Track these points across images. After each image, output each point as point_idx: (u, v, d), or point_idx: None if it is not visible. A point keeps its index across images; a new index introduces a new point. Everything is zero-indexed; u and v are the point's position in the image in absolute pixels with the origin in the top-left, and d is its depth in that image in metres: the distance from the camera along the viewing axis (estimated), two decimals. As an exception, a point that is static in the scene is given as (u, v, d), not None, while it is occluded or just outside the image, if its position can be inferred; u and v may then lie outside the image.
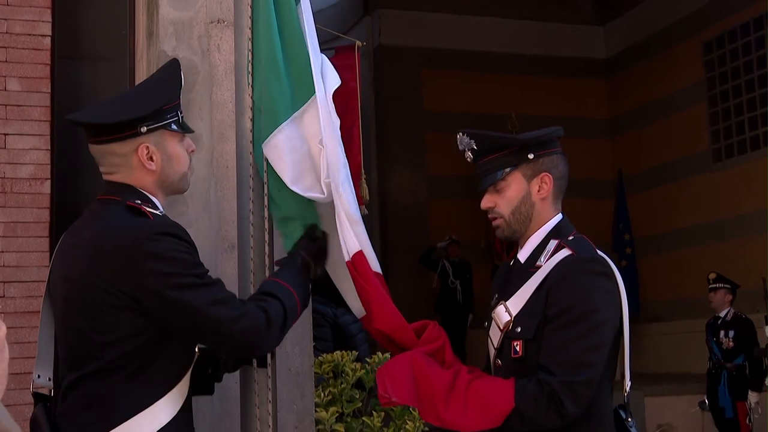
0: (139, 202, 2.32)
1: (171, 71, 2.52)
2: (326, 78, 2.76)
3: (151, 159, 2.35)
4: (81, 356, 2.26)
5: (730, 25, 10.97)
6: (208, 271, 2.33)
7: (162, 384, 2.27)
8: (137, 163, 2.35)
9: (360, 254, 2.61)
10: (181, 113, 2.44)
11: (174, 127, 2.39)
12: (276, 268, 2.72)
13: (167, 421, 2.25)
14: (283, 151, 2.72)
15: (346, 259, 2.62)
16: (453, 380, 2.32)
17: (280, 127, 2.72)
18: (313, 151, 2.72)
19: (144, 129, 2.33)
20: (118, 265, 2.20)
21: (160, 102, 2.38)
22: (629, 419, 2.45)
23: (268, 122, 2.76)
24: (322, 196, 2.66)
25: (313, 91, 2.71)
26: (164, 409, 2.25)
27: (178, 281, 2.21)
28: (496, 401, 2.26)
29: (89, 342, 2.23)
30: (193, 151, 2.49)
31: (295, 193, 2.70)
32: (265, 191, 2.83)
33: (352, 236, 2.62)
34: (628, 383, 2.47)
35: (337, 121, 2.73)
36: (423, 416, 2.42)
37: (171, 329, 2.27)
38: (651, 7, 12.19)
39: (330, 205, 2.68)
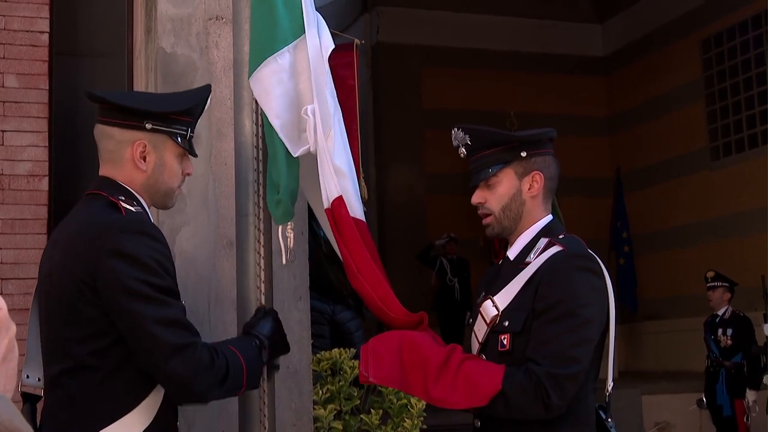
0: (123, 198, 2.31)
1: (200, 91, 2.54)
2: (321, 34, 2.70)
3: (144, 159, 2.35)
4: (57, 351, 2.25)
5: (729, 23, 10.97)
6: (171, 288, 2.23)
7: (136, 391, 2.22)
8: (129, 157, 2.34)
9: (339, 200, 2.57)
10: (191, 132, 2.42)
11: (178, 140, 2.38)
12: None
13: (147, 425, 2.21)
14: (269, 83, 2.65)
15: (325, 206, 2.58)
16: (447, 358, 2.33)
17: (266, 61, 2.66)
18: (299, 88, 2.65)
19: (148, 126, 2.33)
20: (86, 259, 2.19)
21: (172, 107, 2.38)
22: (609, 419, 2.46)
23: (256, 55, 2.70)
24: (304, 146, 2.59)
25: (302, 31, 2.66)
26: (138, 419, 2.21)
27: (134, 286, 2.15)
28: (484, 381, 2.27)
29: (63, 337, 2.22)
30: (189, 173, 2.47)
31: (284, 157, 2.62)
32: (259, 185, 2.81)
33: (333, 182, 2.58)
34: (610, 383, 2.48)
35: (330, 81, 2.69)
36: (409, 392, 2.42)
37: (121, 331, 2.19)
38: (649, 5, 12.19)
39: (311, 160, 2.63)
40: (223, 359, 2.24)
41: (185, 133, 2.40)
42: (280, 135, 2.61)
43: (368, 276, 2.54)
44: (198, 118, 2.46)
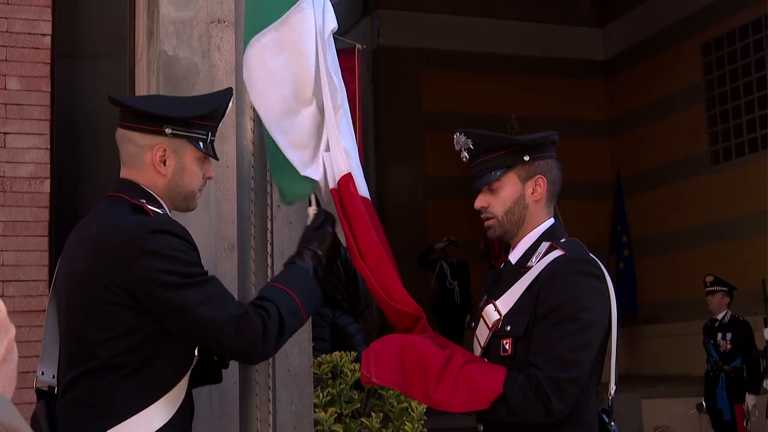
0: (144, 201, 2.32)
1: (221, 94, 2.53)
2: (325, 11, 2.64)
3: (164, 163, 2.36)
4: (80, 353, 2.26)
5: (729, 28, 10.98)
6: (206, 272, 2.30)
7: (160, 385, 2.26)
8: (149, 161, 2.35)
9: (348, 176, 2.52)
10: (212, 136, 2.42)
11: (200, 145, 2.38)
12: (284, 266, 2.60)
13: (162, 425, 2.24)
14: (252, 64, 2.60)
15: (331, 186, 2.52)
16: (447, 361, 2.33)
17: (251, 41, 2.61)
18: (290, 65, 2.57)
19: (168, 131, 2.34)
20: (116, 262, 2.21)
21: (193, 112, 2.38)
22: (612, 423, 2.46)
23: (246, 35, 2.65)
24: (284, 129, 2.55)
25: (288, 7, 2.58)
26: (161, 411, 2.24)
27: (171, 279, 2.19)
28: (485, 385, 2.27)
29: (88, 339, 2.24)
30: (210, 177, 2.48)
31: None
32: (269, 179, 2.80)
33: (341, 158, 2.52)
34: (613, 387, 2.47)
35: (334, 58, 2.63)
36: (410, 395, 2.42)
37: (169, 329, 2.26)
38: (650, 9, 12.20)
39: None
40: (275, 314, 2.29)
41: (206, 137, 2.40)
42: (262, 115, 2.58)
43: (371, 257, 2.50)
44: (219, 122, 2.46)
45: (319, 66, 2.56)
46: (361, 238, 2.50)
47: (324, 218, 2.58)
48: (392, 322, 2.56)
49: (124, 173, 2.39)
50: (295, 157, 2.57)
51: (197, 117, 2.38)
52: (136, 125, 2.35)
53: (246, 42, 2.66)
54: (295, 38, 2.56)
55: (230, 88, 2.58)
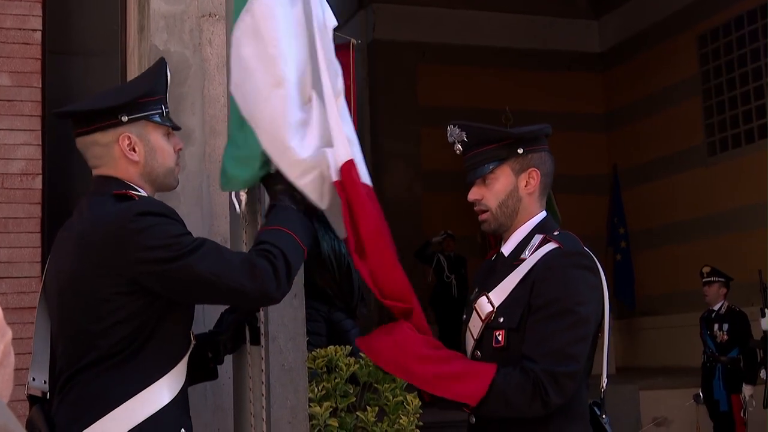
0: (126, 189, 2.33)
1: (156, 67, 2.54)
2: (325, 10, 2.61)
3: (133, 150, 2.36)
4: (80, 348, 2.26)
5: (725, 19, 10.97)
6: (199, 238, 2.30)
7: (157, 368, 2.26)
8: (119, 153, 2.36)
9: (350, 163, 2.46)
10: (166, 108, 2.43)
11: (157, 119, 2.39)
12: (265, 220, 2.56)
13: (162, 406, 2.25)
14: (235, 52, 2.56)
15: (334, 178, 2.44)
16: (438, 347, 2.36)
17: (233, 31, 2.57)
18: (257, 52, 2.51)
19: (125, 118, 2.34)
20: (109, 251, 2.21)
21: (138, 92, 2.39)
22: (604, 416, 2.46)
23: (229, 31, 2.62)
24: (264, 117, 2.47)
25: None
26: (159, 393, 2.25)
27: (167, 253, 2.20)
28: (472, 379, 2.28)
29: (88, 332, 2.24)
30: (180, 149, 2.49)
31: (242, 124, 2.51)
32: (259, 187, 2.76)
33: (343, 146, 2.47)
34: (605, 380, 2.48)
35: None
36: (395, 370, 2.44)
37: (183, 300, 2.29)
38: (645, 1, 12.19)
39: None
40: (278, 252, 2.30)
41: (160, 110, 2.41)
42: (237, 101, 2.54)
43: (374, 244, 2.47)
44: (166, 93, 2.46)
45: (316, 52, 2.53)
46: (363, 225, 2.46)
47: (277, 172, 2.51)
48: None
49: (99, 172, 2.39)
50: (268, 142, 2.48)
51: (144, 95, 2.39)
52: (93, 126, 2.35)
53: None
54: (258, 25, 2.51)
55: (162, 59, 2.57)
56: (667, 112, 11.76)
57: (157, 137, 2.40)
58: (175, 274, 2.21)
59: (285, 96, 2.47)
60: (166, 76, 2.49)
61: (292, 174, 2.45)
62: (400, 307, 2.48)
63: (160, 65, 2.52)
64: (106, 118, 2.34)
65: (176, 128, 2.48)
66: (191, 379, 2.42)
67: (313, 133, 2.49)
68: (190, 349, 2.38)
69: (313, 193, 2.47)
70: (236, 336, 2.64)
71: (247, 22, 2.54)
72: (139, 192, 2.35)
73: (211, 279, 2.22)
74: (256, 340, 2.72)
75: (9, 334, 1.19)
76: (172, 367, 2.29)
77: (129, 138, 2.35)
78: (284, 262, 2.30)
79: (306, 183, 2.46)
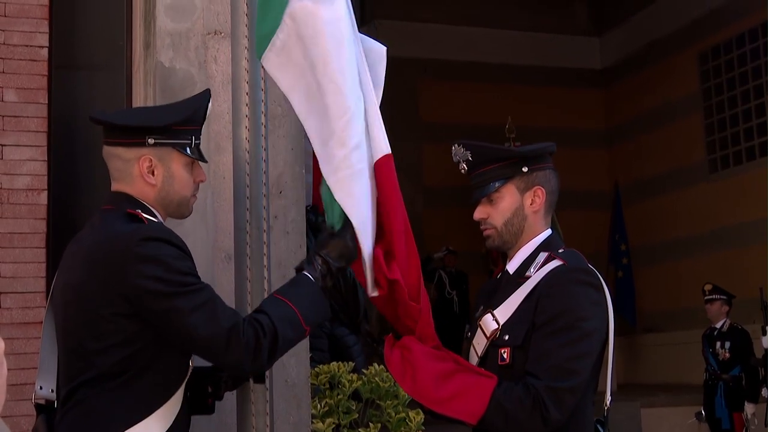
0: (139, 210, 2.33)
1: (200, 97, 2.52)
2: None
3: (152, 173, 2.36)
4: (79, 364, 2.26)
5: (726, 36, 11.01)
6: (199, 280, 2.29)
7: (154, 398, 2.26)
8: (138, 173, 2.36)
9: (388, 157, 2.51)
10: (197, 139, 2.42)
11: (187, 150, 2.38)
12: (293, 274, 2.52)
13: None
14: (275, 66, 2.55)
15: (368, 172, 2.47)
16: (443, 359, 2.37)
17: (271, 42, 2.54)
18: (311, 54, 2.51)
19: (151, 141, 2.35)
20: (111, 270, 2.22)
21: (173, 119, 2.38)
22: None
23: (260, 35, 2.59)
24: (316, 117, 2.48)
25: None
26: (158, 422, 2.24)
27: (162, 287, 2.19)
28: (474, 393, 2.28)
29: (86, 349, 2.24)
30: (202, 180, 2.47)
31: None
32: (264, 191, 2.77)
33: (383, 137, 2.49)
34: (608, 398, 2.48)
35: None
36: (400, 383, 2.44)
37: (163, 336, 2.26)
38: (647, 18, 12.23)
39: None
40: (269, 326, 2.25)
41: (190, 141, 2.40)
42: (297, 111, 2.54)
43: (400, 237, 2.46)
44: (201, 124, 2.45)
45: (349, 50, 2.60)
46: (394, 217, 2.48)
47: (344, 226, 2.49)
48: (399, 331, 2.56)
49: (115, 187, 2.40)
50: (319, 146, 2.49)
51: (177, 123, 2.38)
52: (119, 140, 2.36)
53: (259, 56, 2.60)
54: (301, 31, 2.51)
55: (208, 90, 2.56)
56: (669, 128, 11.78)
57: (179, 166, 2.39)
58: (163, 310, 2.20)
59: (336, 91, 2.48)
60: (207, 107, 2.47)
61: (328, 166, 2.47)
62: (407, 325, 2.49)
63: (204, 96, 2.51)
64: (132, 136, 2.35)
65: (203, 161, 2.46)
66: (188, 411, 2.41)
67: (356, 126, 2.50)
68: (187, 377, 2.36)
69: (341, 192, 2.46)
70: (239, 376, 2.63)
71: (288, 28, 2.52)
72: (151, 215, 2.35)
73: (190, 332, 2.21)
74: (259, 379, 2.71)
75: (1, 344, 1.20)
76: (168, 398, 2.28)
77: (150, 161, 2.35)
78: (271, 341, 2.26)
79: (338, 179, 2.47)
